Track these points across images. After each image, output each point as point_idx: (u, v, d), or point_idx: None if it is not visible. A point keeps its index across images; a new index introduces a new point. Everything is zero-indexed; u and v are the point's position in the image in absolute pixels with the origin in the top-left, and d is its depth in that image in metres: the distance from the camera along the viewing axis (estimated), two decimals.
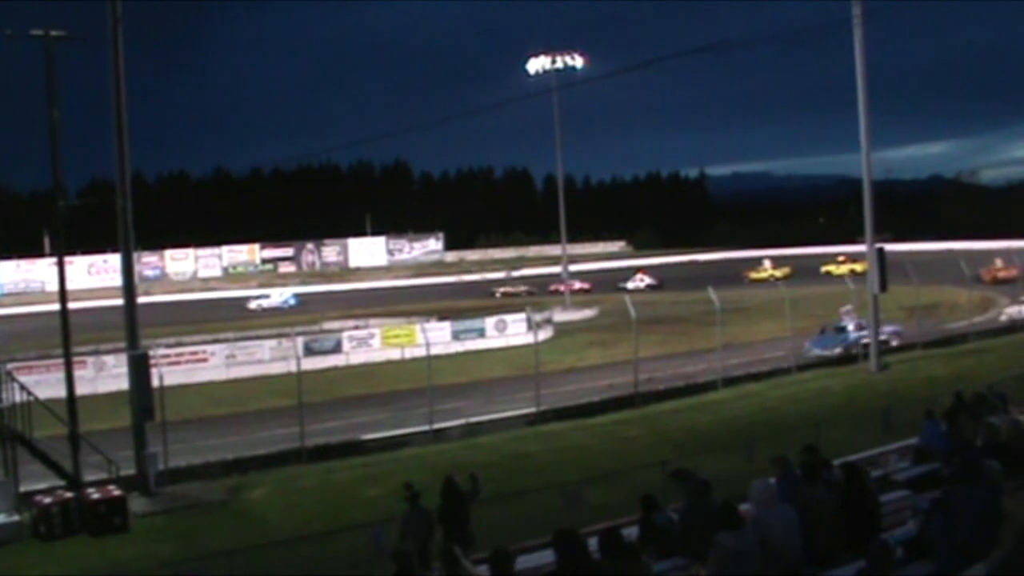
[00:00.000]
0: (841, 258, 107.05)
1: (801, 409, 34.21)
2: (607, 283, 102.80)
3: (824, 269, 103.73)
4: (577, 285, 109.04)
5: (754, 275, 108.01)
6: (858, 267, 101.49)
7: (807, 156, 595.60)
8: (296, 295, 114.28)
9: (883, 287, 41.97)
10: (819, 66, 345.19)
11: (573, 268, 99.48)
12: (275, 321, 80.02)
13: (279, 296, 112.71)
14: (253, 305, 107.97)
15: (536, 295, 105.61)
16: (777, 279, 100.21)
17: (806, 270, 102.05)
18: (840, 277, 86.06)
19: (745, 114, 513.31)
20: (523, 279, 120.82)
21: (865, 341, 44.75)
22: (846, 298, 48.10)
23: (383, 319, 79.92)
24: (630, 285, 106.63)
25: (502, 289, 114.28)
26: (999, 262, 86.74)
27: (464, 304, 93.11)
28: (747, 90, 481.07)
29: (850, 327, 47.38)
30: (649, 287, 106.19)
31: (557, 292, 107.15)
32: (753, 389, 39.91)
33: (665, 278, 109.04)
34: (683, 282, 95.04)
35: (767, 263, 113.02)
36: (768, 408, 35.76)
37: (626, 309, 41.74)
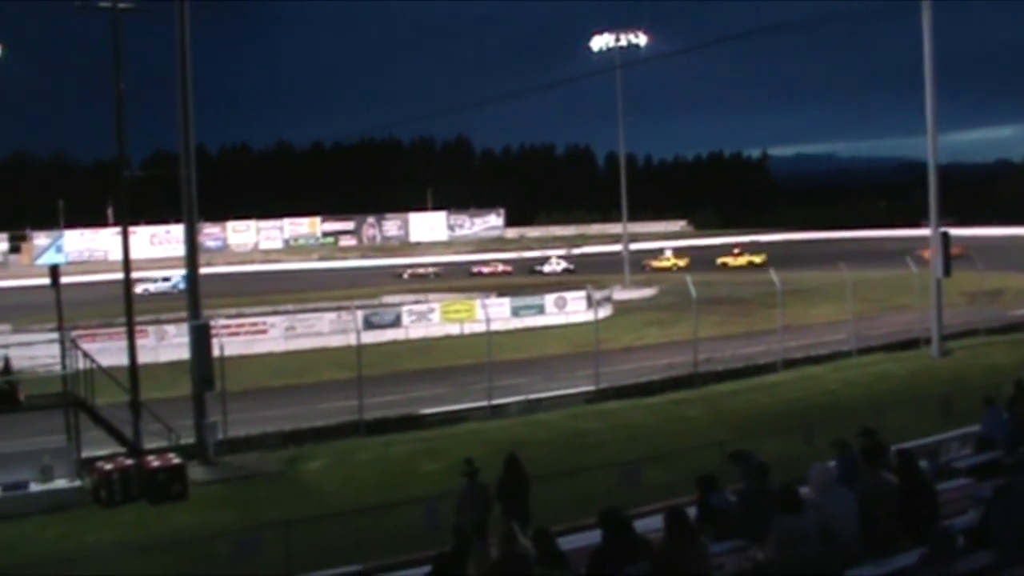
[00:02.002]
0: (736, 250, 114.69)
1: (861, 393, 33.88)
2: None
3: (720, 260, 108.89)
4: (500, 268, 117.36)
5: (655, 263, 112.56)
6: (756, 259, 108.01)
7: (873, 138, 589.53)
8: (185, 278, 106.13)
9: (947, 272, 41.48)
10: (887, 47, 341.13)
11: (634, 247, 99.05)
12: (166, 306, 78.09)
13: (167, 280, 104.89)
14: (140, 289, 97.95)
15: (443, 277, 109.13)
16: (680, 268, 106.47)
17: (702, 261, 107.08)
18: (736, 269, 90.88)
19: (811, 95, 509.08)
20: (575, 257, 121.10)
21: None
22: (907, 281, 47.52)
23: (443, 294, 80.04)
24: (546, 269, 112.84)
25: (409, 271, 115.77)
26: None
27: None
28: (813, 71, 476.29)
29: None
30: (565, 271, 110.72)
31: (480, 274, 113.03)
32: (813, 372, 39.57)
33: (580, 263, 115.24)
34: (597, 266, 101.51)
35: (668, 252, 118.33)
36: (827, 391, 35.42)
37: (686, 289, 41.51)
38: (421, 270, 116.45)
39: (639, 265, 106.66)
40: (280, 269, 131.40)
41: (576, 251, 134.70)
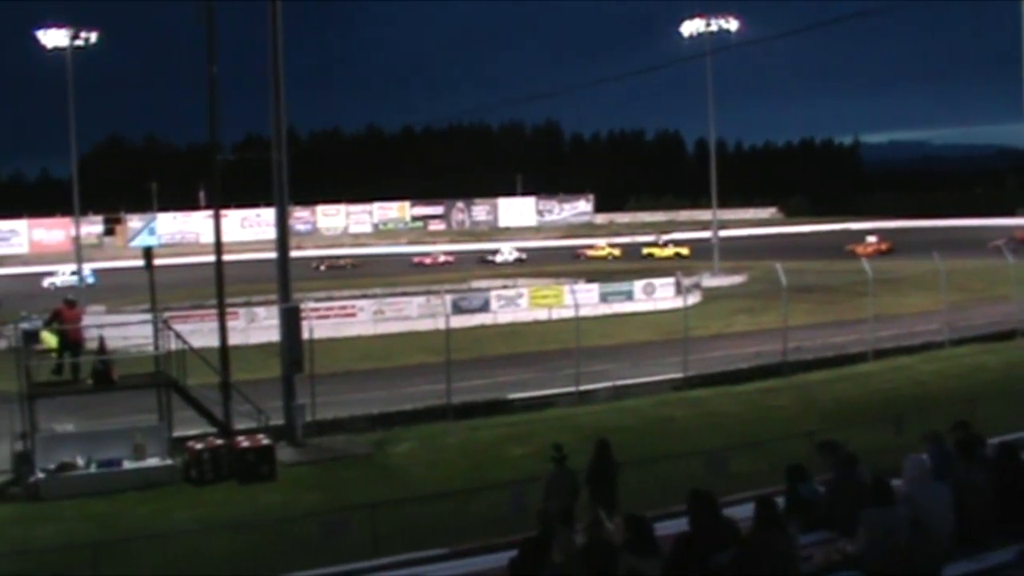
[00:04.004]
0: (662, 241, 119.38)
1: (954, 385, 33.33)
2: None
3: (646, 251, 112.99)
4: (442, 258, 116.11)
5: (591, 253, 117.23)
6: (683, 251, 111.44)
7: (967, 125, 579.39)
8: (95, 272, 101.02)
9: None
10: (983, 32, 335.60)
11: (723, 234, 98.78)
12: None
13: (75, 274, 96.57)
14: (47, 283, 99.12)
15: (360, 268, 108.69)
16: (616, 257, 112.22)
17: (634, 253, 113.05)
18: (664, 260, 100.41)
19: (904, 81, 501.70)
20: (674, 242, 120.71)
21: None
22: (1003, 271, 46.75)
23: (531, 279, 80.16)
24: (498, 259, 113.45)
25: (326, 262, 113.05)
26: (872, 238, 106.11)
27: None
28: (907, 56, 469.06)
29: None
30: (517, 260, 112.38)
31: (422, 264, 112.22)
32: (904, 362, 38.99)
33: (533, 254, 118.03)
34: (540, 259, 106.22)
35: (602, 242, 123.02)
36: (919, 382, 34.93)
37: (775, 276, 41.17)
38: (341, 261, 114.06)
39: (573, 255, 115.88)
40: (370, 253, 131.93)
41: (665, 237, 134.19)
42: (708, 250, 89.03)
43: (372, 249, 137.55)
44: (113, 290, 77.90)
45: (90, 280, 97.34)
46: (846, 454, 12.95)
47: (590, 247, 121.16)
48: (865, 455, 13.52)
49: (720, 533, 10.69)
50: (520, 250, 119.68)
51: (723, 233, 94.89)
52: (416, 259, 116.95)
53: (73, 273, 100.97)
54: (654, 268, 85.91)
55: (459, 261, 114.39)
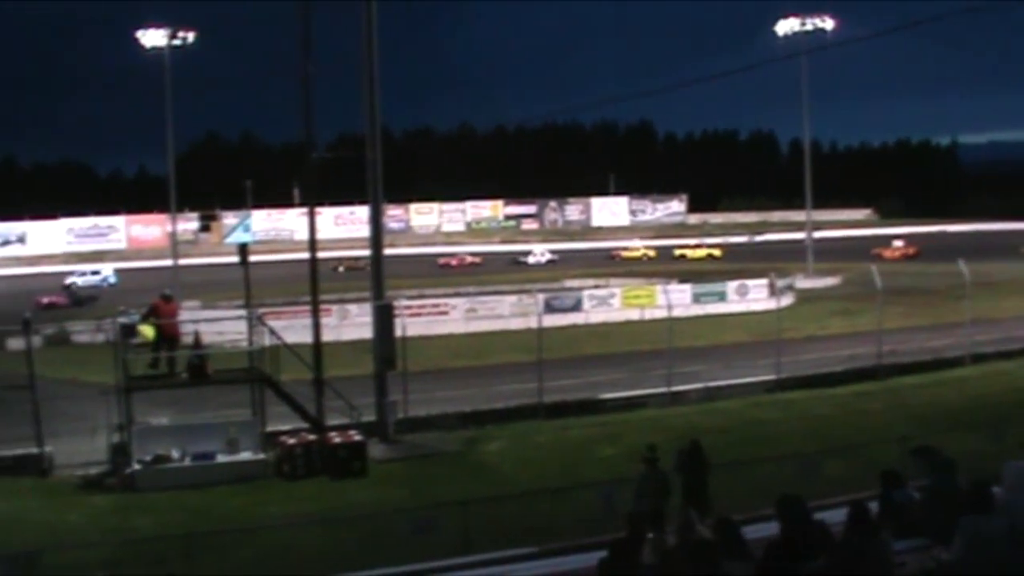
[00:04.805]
0: (693, 244, 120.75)
1: None
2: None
3: (678, 252, 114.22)
4: (468, 259, 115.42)
5: (626, 254, 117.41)
6: (716, 252, 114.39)
7: None
8: (116, 271, 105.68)
9: None
10: None
11: (818, 235, 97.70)
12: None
13: (96, 274, 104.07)
14: (67, 281, 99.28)
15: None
16: (650, 258, 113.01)
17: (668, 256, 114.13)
18: (696, 261, 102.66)
19: (1005, 79, 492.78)
20: (707, 244, 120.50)
21: None
22: None
23: (624, 279, 79.93)
24: (531, 260, 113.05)
25: (346, 263, 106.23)
26: (899, 243, 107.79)
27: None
28: (1008, 53, 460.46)
29: None
30: (550, 262, 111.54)
31: (448, 266, 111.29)
32: (1003, 367, 38.24)
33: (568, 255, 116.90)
34: (578, 260, 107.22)
35: (638, 243, 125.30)
36: (1018, 388, 34.25)
37: (870, 278, 40.66)
38: (360, 263, 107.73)
39: (607, 256, 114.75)
40: (461, 251, 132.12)
41: (759, 238, 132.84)
42: (741, 253, 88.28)
43: (400, 251, 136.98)
44: (209, 285, 78.73)
45: (112, 280, 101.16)
46: (943, 460, 12.73)
47: (625, 248, 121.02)
48: (962, 461, 13.28)
49: (811, 538, 10.57)
50: (553, 252, 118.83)
51: (817, 234, 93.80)
52: (442, 260, 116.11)
53: (94, 272, 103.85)
54: (685, 270, 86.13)
55: (487, 263, 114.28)
